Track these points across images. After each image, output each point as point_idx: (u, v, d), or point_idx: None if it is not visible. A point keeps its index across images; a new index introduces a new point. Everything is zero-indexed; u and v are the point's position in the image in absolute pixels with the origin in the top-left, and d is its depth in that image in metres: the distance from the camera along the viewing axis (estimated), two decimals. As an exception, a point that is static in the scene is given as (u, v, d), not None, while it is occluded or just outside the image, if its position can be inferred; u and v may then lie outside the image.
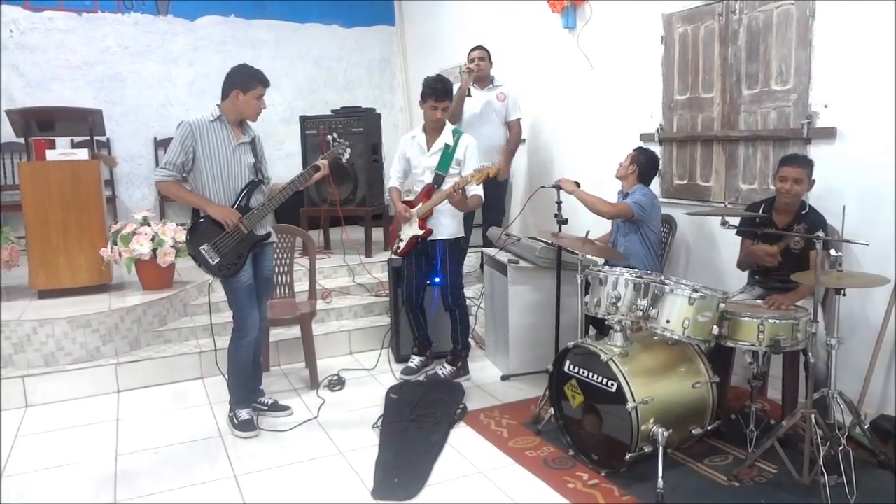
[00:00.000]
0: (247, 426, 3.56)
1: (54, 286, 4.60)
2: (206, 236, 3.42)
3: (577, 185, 3.97)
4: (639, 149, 4.12)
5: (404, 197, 4.25)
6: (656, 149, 4.49)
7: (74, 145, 6.43)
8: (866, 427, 3.08)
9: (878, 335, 3.29)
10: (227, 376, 3.65)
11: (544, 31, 5.55)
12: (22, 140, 5.15)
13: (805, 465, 2.76)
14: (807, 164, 3.34)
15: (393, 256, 4.42)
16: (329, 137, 4.07)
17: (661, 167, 4.48)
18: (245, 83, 3.40)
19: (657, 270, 3.93)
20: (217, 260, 3.41)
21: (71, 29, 6.98)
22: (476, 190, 4.01)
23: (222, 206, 3.42)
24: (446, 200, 3.96)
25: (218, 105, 3.45)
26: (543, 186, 4.23)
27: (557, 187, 3.96)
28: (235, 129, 3.47)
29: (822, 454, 2.67)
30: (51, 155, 4.66)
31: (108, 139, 7.06)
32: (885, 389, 3.35)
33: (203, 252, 3.41)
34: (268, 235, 3.62)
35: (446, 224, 4.10)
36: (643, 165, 3.99)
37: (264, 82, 3.45)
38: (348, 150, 3.84)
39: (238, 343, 3.57)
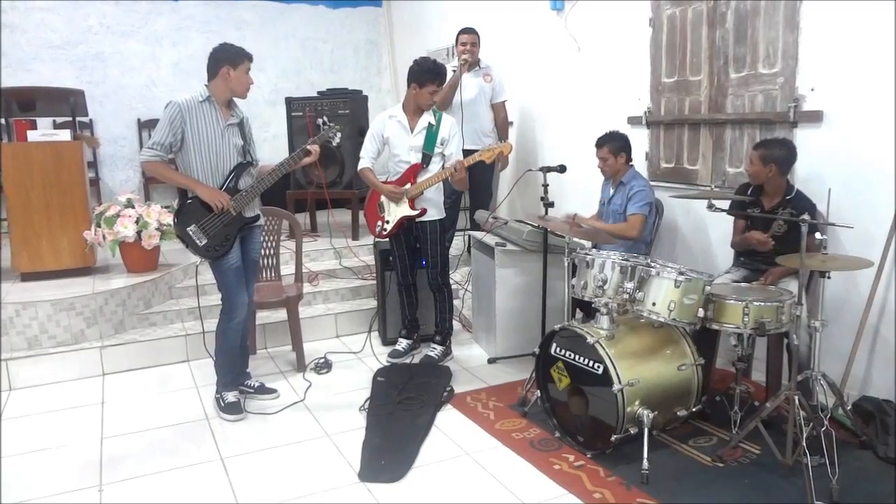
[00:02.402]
0: (233, 409, 3.56)
1: (37, 269, 4.56)
2: (193, 217, 3.39)
3: (576, 219, 3.73)
4: (608, 136, 4.03)
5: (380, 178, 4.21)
6: (644, 132, 4.49)
7: (56, 126, 6.36)
8: (849, 408, 3.11)
9: (861, 318, 3.32)
10: (214, 358, 3.64)
11: (532, 13, 5.52)
12: (2, 121, 5.08)
13: (788, 446, 2.79)
14: (762, 146, 3.38)
15: (377, 239, 4.39)
16: (319, 121, 4.03)
17: (647, 150, 4.49)
18: (233, 58, 3.38)
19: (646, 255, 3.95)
20: (205, 241, 3.39)
21: (52, 8, 6.87)
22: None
23: (211, 187, 3.39)
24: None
25: (206, 85, 3.41)
26: (530, 170, 4.22)
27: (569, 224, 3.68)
28: (224, 109, 3.44)
29: (804, 435, 2.70)
30: (32, 136, 4.60)
31: (90, 120, 6.97)
32: (868, 371, 3.38)
33: (190, 233, 3.38)
34: (256, 218, 3.60)
35: (433, 205, 4.10)
36: (627, 148, 4.01)
37: (249, 57, 3.44)
38: (338, 135, 3.81)
39: (227, 324, 3.55)
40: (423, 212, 4.06)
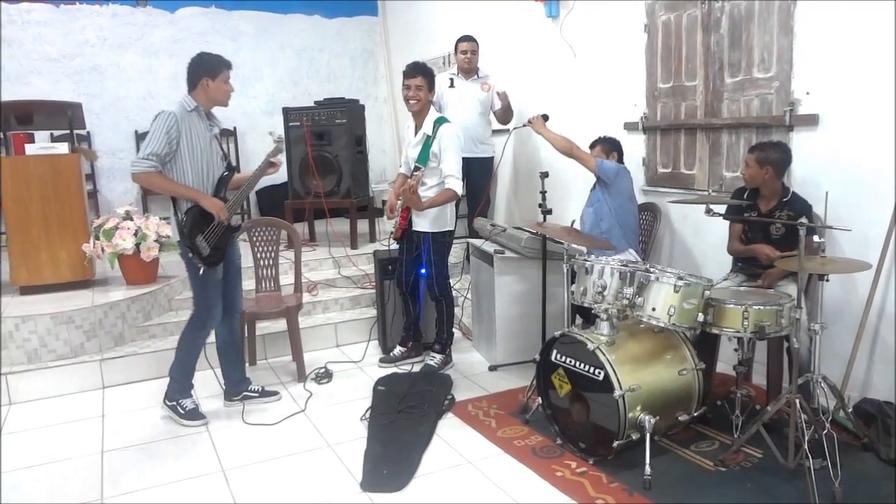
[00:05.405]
0: (195, 415, 3.59)
1: (36, 282, 4.56)
2: (198, 227, 3.40)
3: (546, 118, 4.14)
4: (603, 140, 4.19)
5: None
6: (640, 137, 4.51)
7: (54, 139, 6.38)
8: (850, 411, 3.11)
9: (861, 320, 3.32)
10: (176, 364, 3.64)
11: (527, 21, 5.53)
12: (0, 135, 5.08)
13: (790, 450, 2.78)
14: (757, 149, 3.39)
15: (382, 245, 4.41)
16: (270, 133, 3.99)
17: (644, 155, 4.50)
18: (212, 69, 3.38)
19: (634, 245, 3.96)
20: (209, 251, 3.41)
21: (48, 21, 6.88)
22: (451, 184, 3.93)
23: (215, 198, 3.40)
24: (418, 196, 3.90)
25: (190, 95, 3.40)
26: (516, 127, 4.55)
27: (527, 123, 4.18)
28: (207, 119, 3.45)
29: (806, 438, 2.69)
30: (30, 149, 4.61)
31: (88, 133, 6.98)
32: (868, 373, 3.39)
33: (198, 244, 3.39)
34: (239, 226, 3.65)
35: (428, 218, 4.04)
36: (618, 151, 4.15)
37: (228, 65, 3.45)
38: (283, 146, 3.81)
39: (198, 332, 3.59)
40: (402, 225, 4.08)
